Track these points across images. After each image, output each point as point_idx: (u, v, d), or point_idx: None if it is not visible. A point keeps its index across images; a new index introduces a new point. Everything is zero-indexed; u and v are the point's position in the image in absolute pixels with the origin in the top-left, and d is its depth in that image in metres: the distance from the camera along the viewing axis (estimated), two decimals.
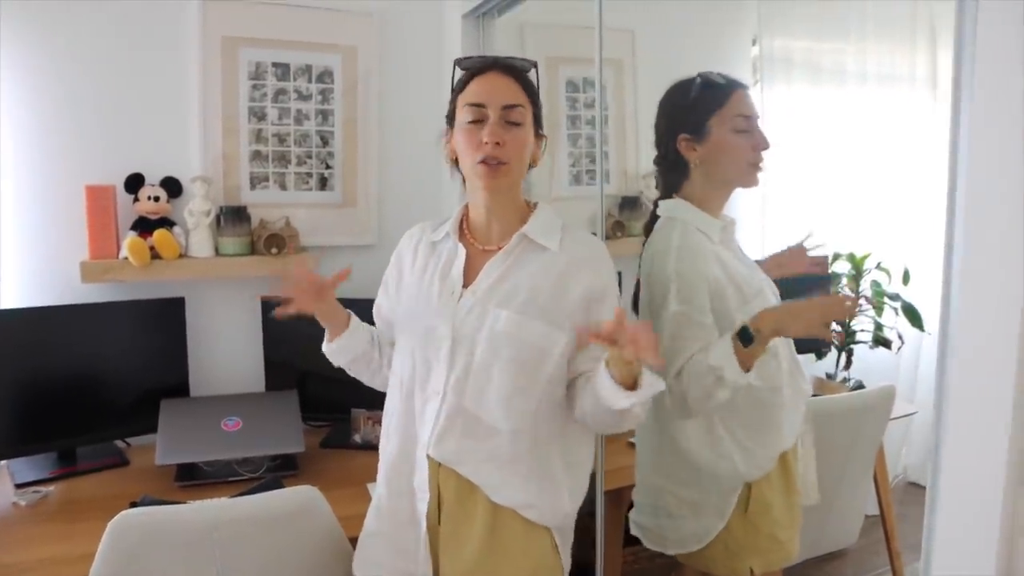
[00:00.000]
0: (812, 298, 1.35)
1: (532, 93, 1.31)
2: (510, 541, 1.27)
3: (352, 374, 1.50)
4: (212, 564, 1.34)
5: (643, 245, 1.57)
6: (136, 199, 2.07)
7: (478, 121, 1.25)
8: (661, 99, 1.56)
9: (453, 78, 1.34)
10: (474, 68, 1.31)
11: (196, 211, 2.09)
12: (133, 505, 1.39)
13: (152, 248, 2.02)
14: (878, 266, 2.98)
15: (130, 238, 2.00)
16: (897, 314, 2.90)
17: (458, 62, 1.34)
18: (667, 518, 1.55)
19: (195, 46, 2.11)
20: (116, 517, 1.28)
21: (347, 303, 2.19)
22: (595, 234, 1.82)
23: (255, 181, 2.23)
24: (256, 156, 2.22)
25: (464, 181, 1.35)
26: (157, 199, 2.07)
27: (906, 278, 3.16)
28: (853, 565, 2.80)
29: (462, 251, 1.34)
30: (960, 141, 0.84)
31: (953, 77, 0.87)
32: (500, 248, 1.31)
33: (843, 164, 2.88)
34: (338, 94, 2.28)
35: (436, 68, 2.40)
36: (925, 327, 2.87)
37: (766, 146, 1.47)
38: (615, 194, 2.42)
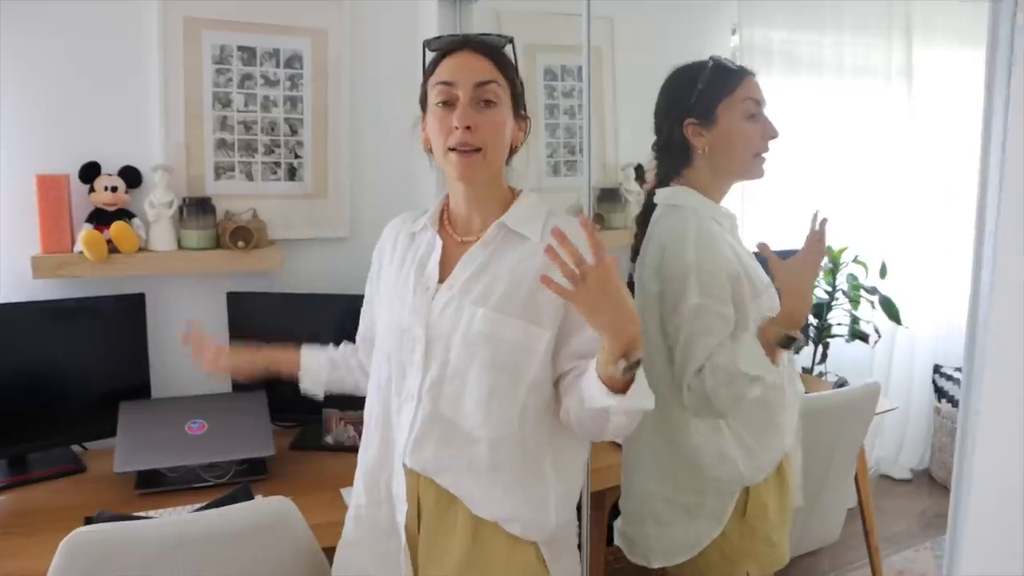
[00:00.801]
0: (793, 269, 1.30)
1: (508, 71, 1.21)
2: (492, 554, 1.19)
3: None
4: None
5: (635, 236, 1.49)
6: (92, 189, 1.95)
7: (449, 103, 1.17)
8: (666, 81, 1.48)
9: (424, 61, 1.25)
10: (444, 48, 1.21)
11: (157, 202, 1.98)
12: (88, 521, 1.29)
13: (109, 242, 1.91)
14: (855, 259, 2.98)
15: (85, 231, 1.88)
16: (874, 307, 2.90)
17: (427, 43, 1.24)
18: (656, 526, 1.48)
19: (155, 27, 1.99)
20: (69, 536, 1.18)
21: (318, 299, 2.12)
22: None
23: (220, 171, 2.11)
24: (221, 144, 2.10)
25: None
26: (115, 189, 1.95)
27: (883, 272, 3.17)
28: (831, 559, 2.80)
29: (439, 243, 1.26)
30: (991, 144, 0.79)
31: (985, 83, 0.82)
32: (479, 239, 1.23)
33: (822, 156, 2.87)
34: (307, 80, 2.17)
35: (410, 54, 2.29)
36: (903, 321, 2.89)
37: (775, 134, 1.43)
38: (595, 186, 2.35)
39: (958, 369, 3.56)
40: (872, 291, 2.89)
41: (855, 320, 2.91)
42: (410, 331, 1.22)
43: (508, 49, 1.24)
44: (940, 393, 3.55)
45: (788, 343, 1.30)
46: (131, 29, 1.99)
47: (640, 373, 1.06)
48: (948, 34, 3.39)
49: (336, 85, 2.21)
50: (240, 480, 1.82)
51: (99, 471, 1.88)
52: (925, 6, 3.28)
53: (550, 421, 1.22)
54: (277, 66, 2.14)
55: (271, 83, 2.14)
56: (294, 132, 2.18)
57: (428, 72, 1.23)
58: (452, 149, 1.16)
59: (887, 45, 3.24)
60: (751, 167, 1.44)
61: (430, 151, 1.25)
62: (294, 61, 2.15)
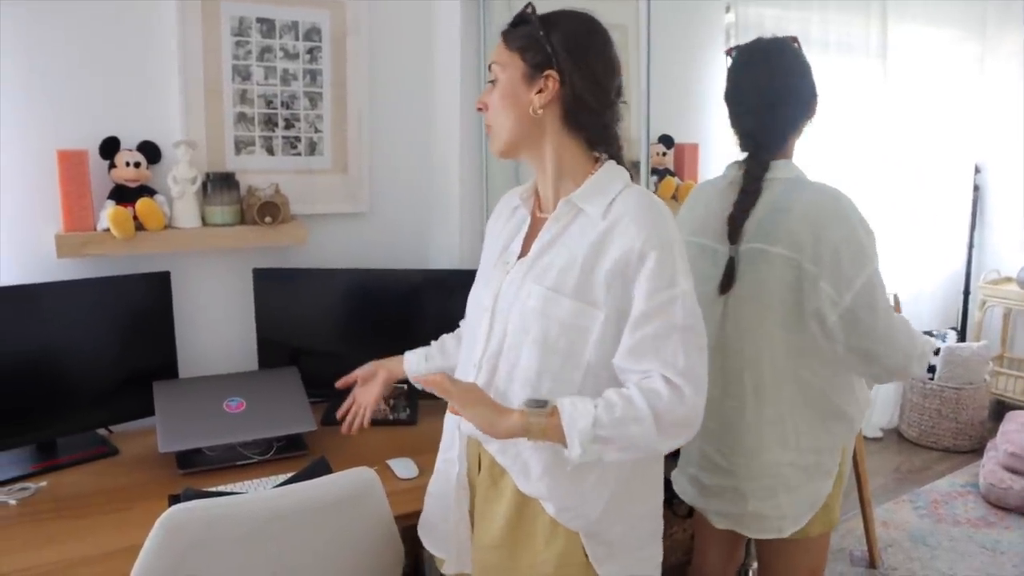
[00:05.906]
0: None
1: (521, 41, 1.20)
2: (534, 532, 1.23)
3: None
4: (267, 557, 1.26)
5: (737, 214, 1.47)
6: (113, 165, 1.89)
7: None
8: (797, 58, 1.54)
9: None
10: None
11: (181, 178, 1.93)
12: (174, 499, 1.28)
13: (135, 218, 1.86)
14: None
15: (112, 208, 1.83)
16: None
17: None
18: (786, 493, 1.47)
19: None
20: (167, 513, 1.18)
21: (342, 273, 2.11)
22: None
23: (240, 146, 2.07)
24: (241, 119, 2.06)
25: None
26: (137, 165, 1.89)
27: None
28: None
29: (528, 219, 1.31)
30: None
31: None
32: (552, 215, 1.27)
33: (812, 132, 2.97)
34: (326, 53, 2.14)
35: (426, 26, 2.28)
36: None
37: None
38: None
39: (928, 333, 3.76)
40: None
41: None
42: (481, 303, 1.28)
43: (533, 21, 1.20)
44: None
45: None
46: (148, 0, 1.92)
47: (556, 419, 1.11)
48: (918, 14, 3.54)
49: (355, 58, 2.18)
50: (282, 456, 1.82)
51: (133, 453, 1.85)
52: None
53: None
54: (296, 39, 2.10)
55: (290, 56, 2.10)
56: (314, 106, 2.15)
57: None
58: None
59: (865, 24, 3.37)
60: None
61: None
62: (312, 34, 2.12)
